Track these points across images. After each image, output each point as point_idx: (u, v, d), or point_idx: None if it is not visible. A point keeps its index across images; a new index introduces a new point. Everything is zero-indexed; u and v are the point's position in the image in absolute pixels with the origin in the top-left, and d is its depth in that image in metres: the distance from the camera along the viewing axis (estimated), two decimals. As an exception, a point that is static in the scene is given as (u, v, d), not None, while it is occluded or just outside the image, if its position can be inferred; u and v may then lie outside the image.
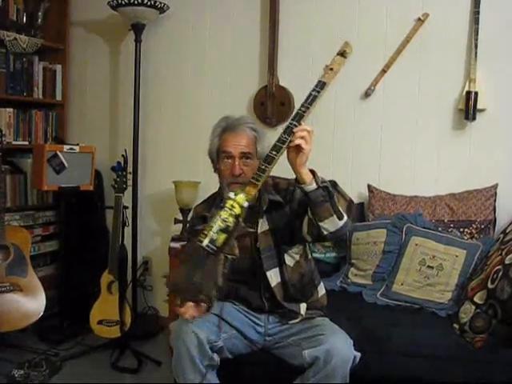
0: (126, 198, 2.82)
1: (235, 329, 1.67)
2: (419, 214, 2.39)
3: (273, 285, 1.63)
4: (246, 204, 1.38)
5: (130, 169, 2.79)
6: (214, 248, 1.35)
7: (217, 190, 1.80)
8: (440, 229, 2.33)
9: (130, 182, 2.75)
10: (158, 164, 3.21)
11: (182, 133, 3.14)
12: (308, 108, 1.34)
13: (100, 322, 2.67)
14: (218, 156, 1.68)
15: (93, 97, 3.32)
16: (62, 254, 3.03)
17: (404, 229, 2.38)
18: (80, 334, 2.80)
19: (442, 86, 2.49)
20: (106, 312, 2.66)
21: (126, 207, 2.78)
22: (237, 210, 1.36)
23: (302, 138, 1.36)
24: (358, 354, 1.55)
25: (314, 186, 1.43)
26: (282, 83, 2.79)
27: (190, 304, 1.37)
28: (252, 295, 1.69)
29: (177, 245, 2.74)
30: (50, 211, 3.17)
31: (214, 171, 1.72)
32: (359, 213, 2.61)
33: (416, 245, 2.29)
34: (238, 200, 1.37)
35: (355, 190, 2.67)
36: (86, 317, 2.66)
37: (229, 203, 1.38)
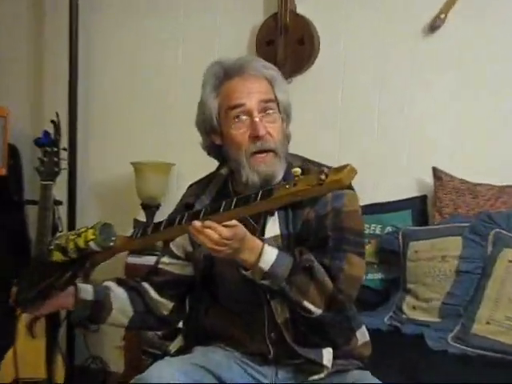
0: (59, 188, 2.79)
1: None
2: (515, 214, 2.43)
3: (280, 320, 1.63)
4: (93, 246, 1.52)
5: (64, 143, 2.69)
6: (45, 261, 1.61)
7: (216, 169, 1.81)
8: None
9: (64, 164, 2.64)
10: (107, 136, 3.20)
11: (146, 90, 3.15)
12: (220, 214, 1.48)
13: (16, 383, 2.64)
14: (220, 120, 1.68)
15: (5, 36, 3.35)
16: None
17: (490, 237, 2.39)
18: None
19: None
20: (25, 365, 2.63)
21: (58, 202, 2.75)
22: (80, 242, 1.53)
23: (212, 242, 1.49)
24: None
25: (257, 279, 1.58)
26: (300, 10, 2.80)
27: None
28: (251, 335, 1.69)
29: (137, 260, 2.75)
30: None
31: (206, 149, 1.75)
32: (419, 212, 2.67)
33: (510, 261, 2.29)
34: (87, 235, 1.53)
35: (413, 177, 2.72)
36: (-7, 373, 2.62)
37: (82, 229, 1.56)
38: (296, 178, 1.37)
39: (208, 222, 1.45)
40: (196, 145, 1.76)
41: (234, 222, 1.47)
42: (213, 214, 1.46)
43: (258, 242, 1.55)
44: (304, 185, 1.36)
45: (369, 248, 2.59)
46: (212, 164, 1.78)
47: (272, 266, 1.55)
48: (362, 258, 1.63)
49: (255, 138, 1.62)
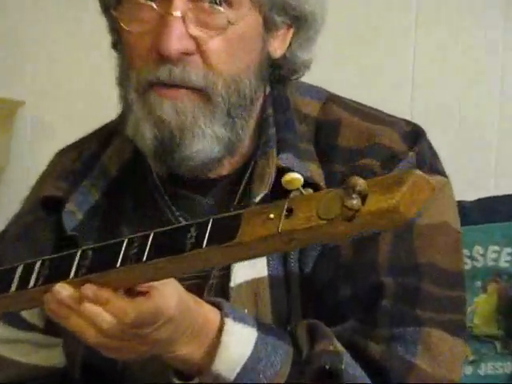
0: None
1: None
2: None
3: None
4: None
5: None
6: None
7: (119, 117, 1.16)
8: None
9: None
10: None
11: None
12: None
13: None
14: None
15: None
16: None
17: None
18: None
19: None
20: None
21: None
22: None
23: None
24: None
25: None
26: None
27: None
28: None
29: None
30: None
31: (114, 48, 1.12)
32: None
33: None
34: None
35: None
36: None
37: None
38: (292, 196, 0.72)
39: (89, 289, 0.82)
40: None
41: (152, 283, 0.84)
42: (102, 266, 0.82)
43: (213, 317, 0.93)
44: (309, 217, 0.69)
45: (482, 301, 1.84)
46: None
47: (243, 368, 0.92)
48: (459, 337, 1.01)
49: (159, 56, 0.99)
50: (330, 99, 1.11)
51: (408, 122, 1.11)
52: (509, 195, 1.92)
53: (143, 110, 1.01)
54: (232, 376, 0.91)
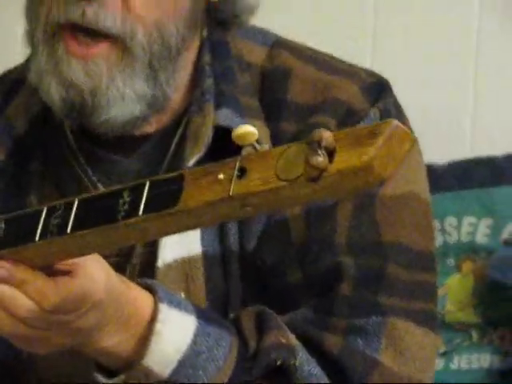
0: None
1: None
2: None
3: None
4: None
5: None
6: None
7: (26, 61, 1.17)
8: None
9: None
10: None
11: None
12: None
13: None
14: None
15: None
16: None
17: None
18: None
19: None
20: None
21: None
22: None
23: None
24: None
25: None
26: None
27: None
28: None
29: None
30: None
31: None
32: None
33: None
34: None
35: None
36: None
37: None
38: (244, 153, 0.70)
39: (1, 267, 0.81)
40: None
41: (77, 260, 0.83)
42: (17, 240, 0.80)
43: (144, 301, 0.91)
44: (265, 178, 0.67)
45: (456, 282, 1.78)
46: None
47: (180, 364, 0.91)
48: (430, 329, 1.01)
49: None
50: (279, 44, 1.08)
51: (371, 73, 1.10)
52: (486, 157, 1.84)
53: (49, 62, 1.00)
54: (166, 373, 0.88)
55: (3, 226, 0.81)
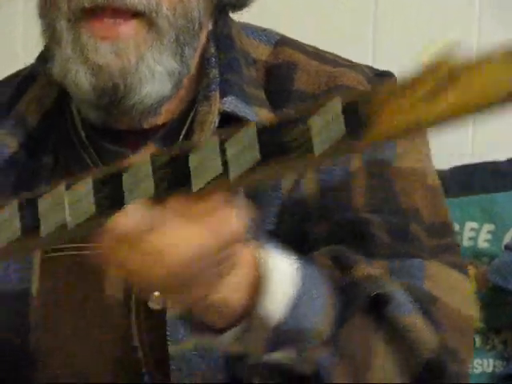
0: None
1: None
2: None
3: None
4: None
5: None
6: None
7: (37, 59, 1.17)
8: None
9: None
10: None
11: None
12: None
13: None
14: None
15: None
16: None
17: None
18: None
19: None
20: None
21: None
22: None
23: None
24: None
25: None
26: None
27: None
28: None
29: None
30: None
31: None
32: None
33: None
34: None
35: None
36: None
37: None
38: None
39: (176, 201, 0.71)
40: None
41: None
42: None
43: (256, 250, 0.84)
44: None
45: None
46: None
47: (297, 305, 0.85)
48: (461, 273, 1.02)
49: None
50: (282, 42, 1.08)
51: (373, 69, 1.08)
52: (488, 163, 1.86)
53: (75, 49, 0.97)
54: (278, 318, 0.82)
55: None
